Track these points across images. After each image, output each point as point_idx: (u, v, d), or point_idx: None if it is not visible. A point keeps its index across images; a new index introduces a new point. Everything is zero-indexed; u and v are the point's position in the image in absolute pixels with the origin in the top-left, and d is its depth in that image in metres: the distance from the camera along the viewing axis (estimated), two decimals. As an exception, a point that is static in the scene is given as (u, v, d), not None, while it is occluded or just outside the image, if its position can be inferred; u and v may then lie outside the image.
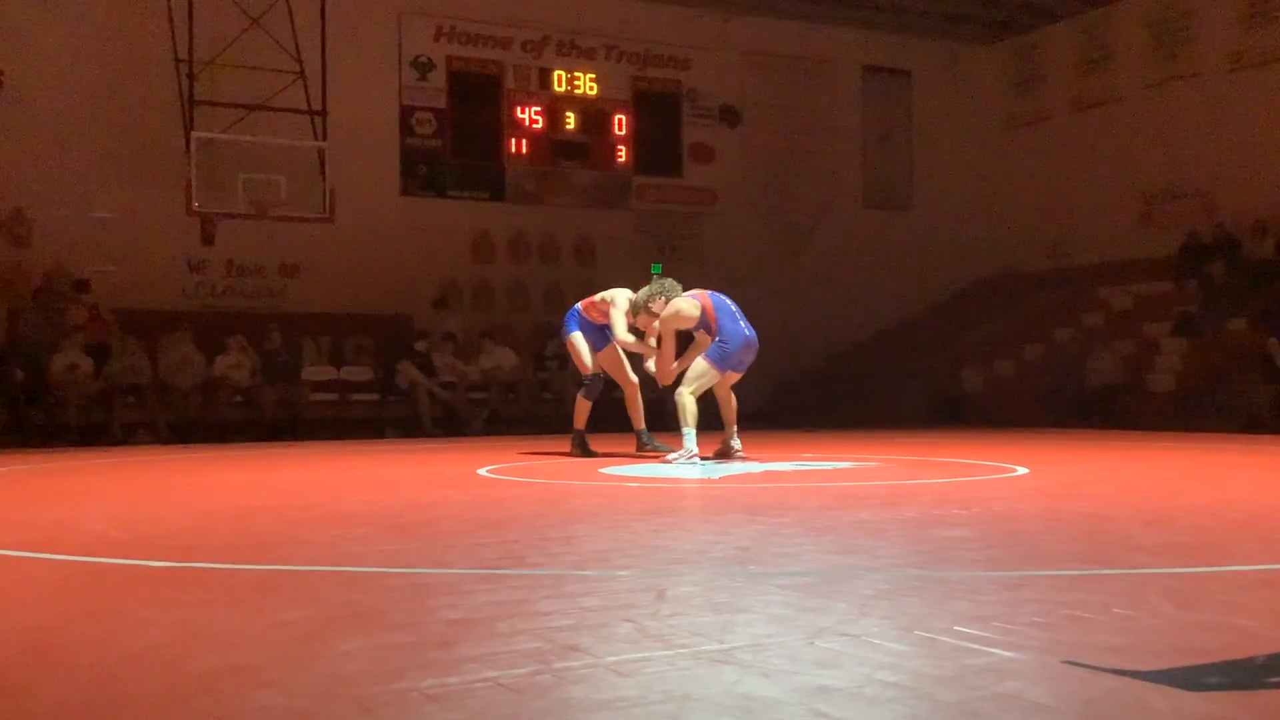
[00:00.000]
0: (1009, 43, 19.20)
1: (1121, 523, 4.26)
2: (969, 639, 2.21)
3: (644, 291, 8.17)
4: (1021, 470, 6.87)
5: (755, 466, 7.35)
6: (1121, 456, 8.49)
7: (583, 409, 9.05)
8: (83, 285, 13.50)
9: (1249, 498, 5.34)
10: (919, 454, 8.75)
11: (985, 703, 1.79)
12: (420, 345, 14.18)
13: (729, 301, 8.03)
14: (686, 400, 7.72)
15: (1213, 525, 4.16)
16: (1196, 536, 3.84)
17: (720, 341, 7.76)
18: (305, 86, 13.73)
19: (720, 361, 7.74)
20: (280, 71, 13.62)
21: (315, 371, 13.93)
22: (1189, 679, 1.91)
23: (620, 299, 8.62)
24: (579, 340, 8.93)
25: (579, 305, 9.07)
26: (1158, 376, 13.75)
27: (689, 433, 7.70)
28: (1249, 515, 4.48)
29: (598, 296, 8.87)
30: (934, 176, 19.19)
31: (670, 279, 8.26)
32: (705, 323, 7.90)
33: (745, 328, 7.86)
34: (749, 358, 7.89)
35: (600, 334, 8.86)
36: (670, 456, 7.81)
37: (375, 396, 13.97)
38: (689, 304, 7.97)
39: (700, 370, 7.77)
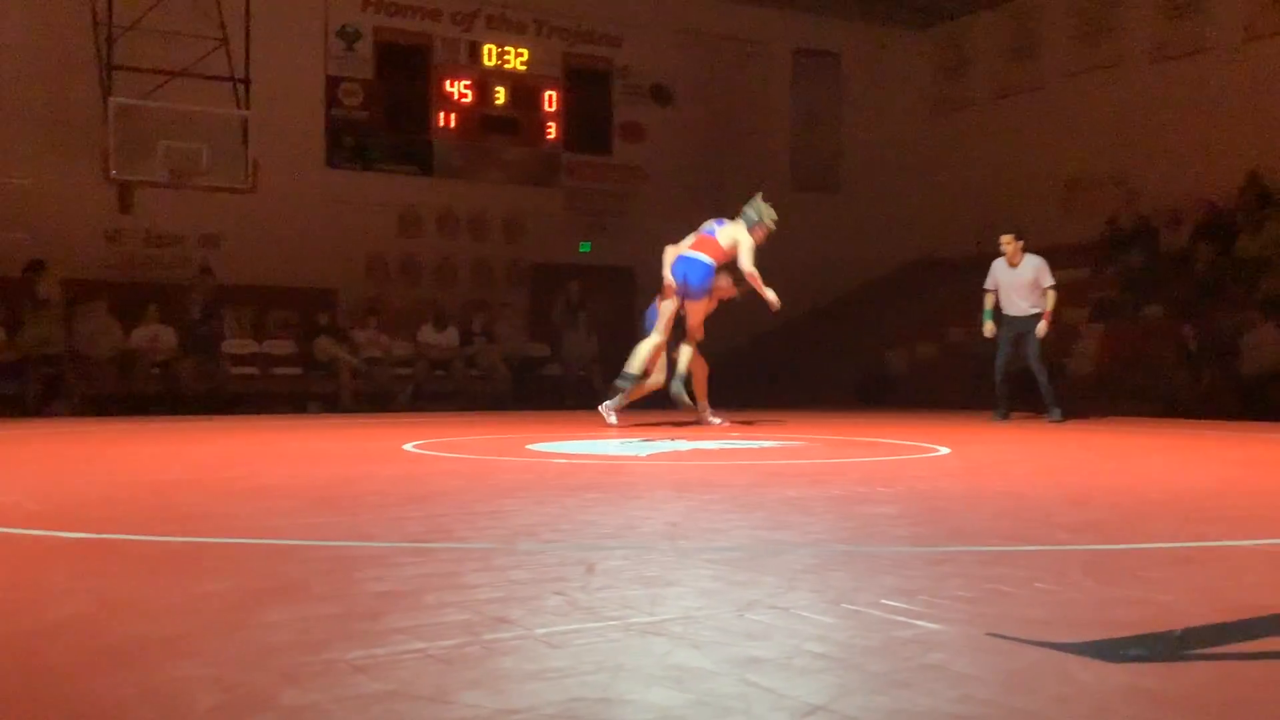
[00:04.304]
0: (938, 29, 19.41)
1: (1042, 501, 4.34)
2: (895, 612, 2.23)
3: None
4: (944, 450, 6.97)
5: (683, 445, 7.38)
6: (1040, 437, 8.65)
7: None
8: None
9: (1165, 478, 5.47)
10: (844, 434, 8.85)
11: (912, 673, 1.81)
12: (323, 319, 14.03)
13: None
14: None
15: (1130, 504, 4.25)
16: (1114, 515, 3.93)
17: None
18: (228, 53, 13.46)
19: None
20: (203, 37, 13.34)
21: (236, 344, 13.71)
22: (1110, 651, 1.95)
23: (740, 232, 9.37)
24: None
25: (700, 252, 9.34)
26: (1077, 361, 14.03)
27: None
28: (1165, 495, 4.59)
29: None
30: (862, 159, 19.35)
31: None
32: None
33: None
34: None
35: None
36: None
37: (298, 371, 13.79)
38: None
39: None
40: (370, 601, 2.35)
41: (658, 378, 9.44)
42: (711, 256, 9.23)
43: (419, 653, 1.92)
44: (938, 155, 19.25)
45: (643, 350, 9.27)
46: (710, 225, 9.45)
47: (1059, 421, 10.51)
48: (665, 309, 9.28)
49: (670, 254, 9.36)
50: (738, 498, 4.36)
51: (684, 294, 9.18)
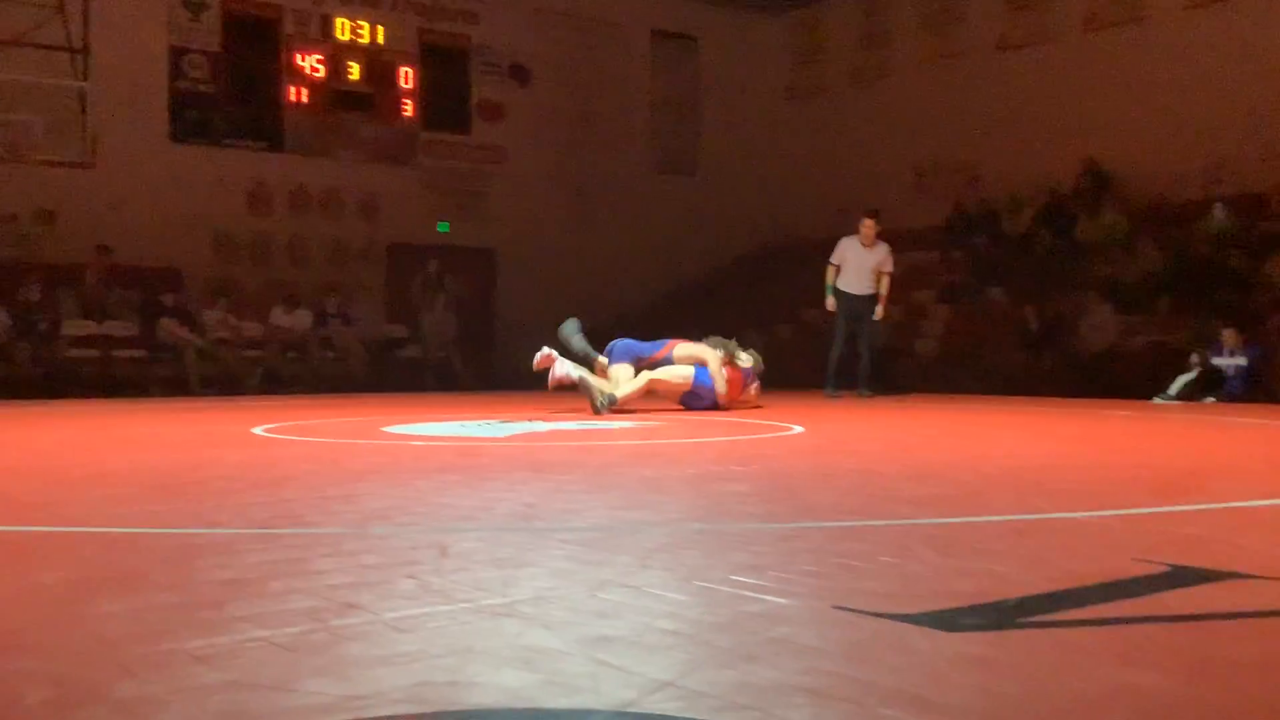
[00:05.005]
0: (794, 15, 19.68)
1: (888, 477, 4.46)
2: (745, 587, 2.27)
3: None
4: (798, 429, 7.11)
5: (541, 425, 7.36)
6: (889, 415, 8.89)
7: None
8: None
9: (1003, 453, 5.68)
10: (701, 414, 8.94)
11: (759, 647, 1.84)
12: (169, 300, 13.61)
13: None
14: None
15: (970, 479, 4.40)
16: (955, 489, 4.06)
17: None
18: (65, 22, 12.88)
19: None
20: (38, 4, 12.73)
21: (75, 326, 13.15)
22: (948, 620, 2.01)
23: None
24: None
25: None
26: (924, 341, 14.46)
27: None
28: (1003, 469, 4.76)
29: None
30: (720, 143, 19.55)
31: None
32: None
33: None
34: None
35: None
36: None
37: (141, 353, 13.32)
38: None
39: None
40: (213, 590, 2.29)
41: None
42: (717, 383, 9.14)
43: (262, 641, 1.88)
44: (793, 140, 19.56)
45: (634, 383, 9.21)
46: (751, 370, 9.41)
47: (867, 397, 11.25)
48: (675, 365, 9.25)
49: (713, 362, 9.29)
50: (594, 478, 4.37)
51: (697, 390, 9.17)
